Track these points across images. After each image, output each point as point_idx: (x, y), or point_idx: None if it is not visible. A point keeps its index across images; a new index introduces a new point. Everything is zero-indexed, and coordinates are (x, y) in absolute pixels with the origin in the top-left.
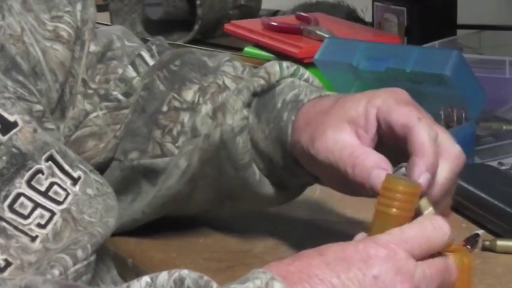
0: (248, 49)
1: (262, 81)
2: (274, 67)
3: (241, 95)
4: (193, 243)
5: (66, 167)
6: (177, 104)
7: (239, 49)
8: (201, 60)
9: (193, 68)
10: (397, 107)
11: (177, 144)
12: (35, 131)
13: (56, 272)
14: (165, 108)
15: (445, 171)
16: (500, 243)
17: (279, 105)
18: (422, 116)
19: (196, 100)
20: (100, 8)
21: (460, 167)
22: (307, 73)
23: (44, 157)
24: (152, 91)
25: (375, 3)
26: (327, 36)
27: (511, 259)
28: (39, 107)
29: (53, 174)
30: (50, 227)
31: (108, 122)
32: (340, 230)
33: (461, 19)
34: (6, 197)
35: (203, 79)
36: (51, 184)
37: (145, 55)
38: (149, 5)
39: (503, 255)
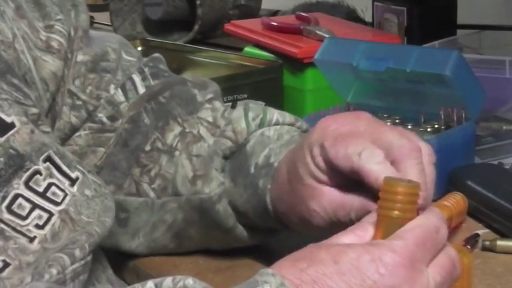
0: (248, 49)
1: (229, 143)
2: (241, 123)
3: (213, 162)
4: None
5: (64, 168)
6: (159, 145)
7: (239, 49)
8: (190, 94)
9: (180, 103)
10: (334, 152)
11: (152, 186)
12: (32, 132)
13: (54, 271)
14: (148, 147)
15: (411, 172)
16: (500, 243)
17: (252, 170)
18: (360, 144)
19: (174, 145)
20: (100, 8)
21: (419, 157)
22: (275, 115)
23: (41, 158)
24: (137, 124)
25: (375, 3)
26: (327, 36)
27: (511, 259)
28: (34, 110)
29: (51, 175)
30: (48, 228)
31: (89, 143)
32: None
33: (461, 19)
34: (4, 198)
35: (187, 119)
36: (49, 185)
37: (137, 79)
38: (149, 5)
39: (503, 255)
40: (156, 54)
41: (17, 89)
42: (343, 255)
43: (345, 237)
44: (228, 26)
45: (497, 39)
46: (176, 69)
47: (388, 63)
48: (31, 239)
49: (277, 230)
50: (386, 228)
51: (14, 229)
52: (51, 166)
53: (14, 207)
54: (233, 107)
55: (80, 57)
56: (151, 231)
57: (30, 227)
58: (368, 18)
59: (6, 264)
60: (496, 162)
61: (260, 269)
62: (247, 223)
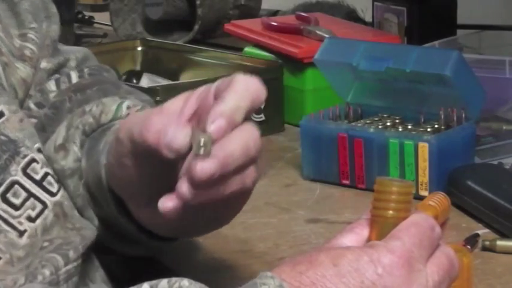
0: (248, 49)
1: (91, 120)
2: (112, 106)
3: (75, 136)
4: (193, 243)
5: None
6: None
7: (239, 49)
8: (116, 85)
9: (99, 94)
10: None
11: None
12: (21, 120)
13: (47, 272)
14: None
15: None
16: (500, 243)
17: (100, 148)
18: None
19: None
20: (100, 8)
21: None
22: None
23: (35, 147)
24: (58, 111)
25: (375, 3)
26: (327, 36)
27: (511, 259)
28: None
29: (47, 165)
30: (39, 221)
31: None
32: (339, 230)
33: (461, 19)
34: None
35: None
36: (46, 174)
37: (73, 75)
38: (149, 5)
39: (503, 255)
40: (108, 67)
41: None
42: (342, 258)
43: (344, 238)
44: (228, 26)
45: (497, 39)
46: (176, 69)
47: (388, 63)
48: (21, 233)
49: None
50: (381, 228)
51: (6, 221)
52: (44, 158)
53: (9, 195)
54: None
55: (44, 64)
56: None
57: (22, 219)
58: (368, 18)
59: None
60: (496, 162)
61: (260, 269)
62: (100, 214)
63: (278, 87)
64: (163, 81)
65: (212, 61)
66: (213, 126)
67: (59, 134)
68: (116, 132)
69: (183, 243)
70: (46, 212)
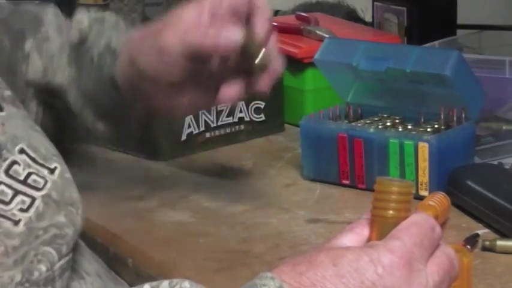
0: None
1: (77, 34)
2: (84, 21)
3: (61, 56)
4: (193, 243)
5: (41, 161)
6: (20, 56)
7: None
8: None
9: (27, 22)
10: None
11: None
12: (2, 124)
13: (43, 268)
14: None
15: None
16: (500, 243)
17: (95, 59)
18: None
19: (29, 50)
20: (100, 8)
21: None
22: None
23: (16, 149)
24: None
25: (375, 3)
26: (327, 36)
27: (511, 259)
28: (7, 92)
29: (29, 166)
30: (32, 210)
31: None
32: (339, 230)
33: (461, 19)
34: None
35: (38, 30)
36: (29, 174)
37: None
38: (149, 5)
39: (503, 255)
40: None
41: None
42: (342, 258)
43: (344, 238)
44: None
45: (497, 39)
46: None
47: (388, 63)
48: (16, 222)
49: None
50: (382, 228)
51: None
52: (27, 158)
53: None
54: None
55: None
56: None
57: (15, 211)
58: (368, 18)
59: None
60: (496, 162)
61: (260, 269)
62: (94, 108)
63: (278, 87)
64: None
65: None
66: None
67: (36, 64)
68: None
69: (183, 243)
70: (36, 202)
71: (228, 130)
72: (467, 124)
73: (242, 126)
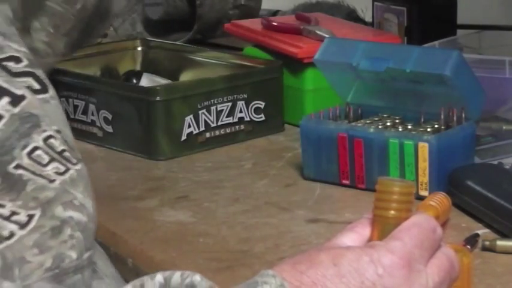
0: (248, 49)
1: None
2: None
3: None
4: (193, 243)
5: (72, 149)
6: None
7: (239, 49)
8: None
9: None
10: None
11: None
12: (46, 101)
13: (74, 255)
14: None
15: None
16: (500, 243)
17: None
18: None
19: None
20: None
21: None
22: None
23: (53, 127)
24: None
25: (375, 3)
26: (327, 36)
27: (511, 259)
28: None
29: (64, 143)
30: (67, 175)
31: None
32: (339, 230)
33: (461, 19)
34: (24, 147)
35: None
36: (63, 150)
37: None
38: (149, 5)
39: (503, 255)
40: None
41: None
42: (342, 257)
43: (345, 238)
44: (228, 26)
45: (497, 39)
46: (176, 69)
47: (388, 63)
48: (51, 181)
49: None
50: (383, 228)
51: (34, 173)
52: (61, 139)
53: (34, 155)
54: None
55: None
56: None
57: (50, 173)
58: (368, 18)
59: (30, 217)
60: (496, 162)
61: (260, 269)
62: None
63: (278, 87)
64: (163, 81)
65: (212, 61)
66: None
67: None
68: None
69: (183, 243)
70: (71, 171)
71: (228, 130)
72: (467, 124)
73: (242, 126)
